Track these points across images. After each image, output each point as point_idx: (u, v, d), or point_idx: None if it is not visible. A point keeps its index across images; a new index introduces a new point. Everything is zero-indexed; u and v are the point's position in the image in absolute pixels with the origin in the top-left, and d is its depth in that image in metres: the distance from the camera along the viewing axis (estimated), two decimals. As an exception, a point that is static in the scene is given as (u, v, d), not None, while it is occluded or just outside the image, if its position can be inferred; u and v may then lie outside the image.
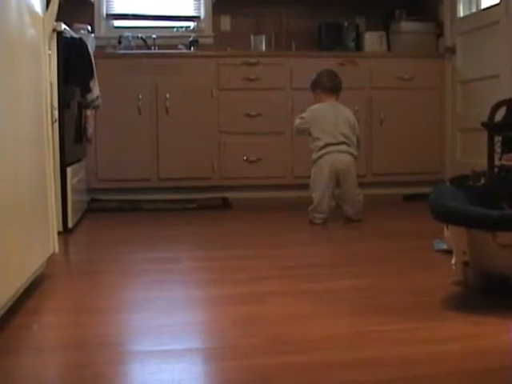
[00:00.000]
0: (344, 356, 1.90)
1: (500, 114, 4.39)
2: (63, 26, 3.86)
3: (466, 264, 2.40)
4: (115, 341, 2.06)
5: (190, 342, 2.07)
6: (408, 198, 5.45)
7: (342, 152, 4.34)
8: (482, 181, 4.67)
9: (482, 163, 4.69)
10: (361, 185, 5.60)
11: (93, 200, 5.23)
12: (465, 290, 2.53)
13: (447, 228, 2.53)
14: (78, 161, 4.44)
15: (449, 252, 3.00)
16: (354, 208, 4.39)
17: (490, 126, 4.25)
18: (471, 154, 5.40)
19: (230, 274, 2.93)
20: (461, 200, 2.43)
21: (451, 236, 2.44)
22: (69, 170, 3.99)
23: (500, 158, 4.18)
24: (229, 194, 5.52)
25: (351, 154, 4.38)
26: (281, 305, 2.44)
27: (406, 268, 3.02)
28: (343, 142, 4.36)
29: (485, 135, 4.56)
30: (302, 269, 3.00)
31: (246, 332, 2.12)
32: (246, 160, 5.55)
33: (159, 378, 1.75)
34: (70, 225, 3.96)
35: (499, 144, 4.30)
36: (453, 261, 2.55)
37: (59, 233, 3.44)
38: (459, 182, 4.85)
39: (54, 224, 2.92)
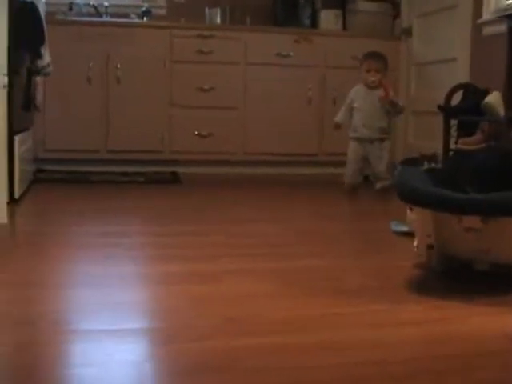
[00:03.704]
0: (307, 339, 1.84)
1: (455, 98, 4.38)
2: (15, -12, 3.71)
3: (430, 247, 2.36)
4: (68, 318, 1.98)
5: (148, 321, 1.99)
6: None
7: None
8: (433, 164, 4.70)
9: (433, 146, 4.70)
10: (313, 163, 5.63)
11: (39, 170, 5.07)
12: (426, 273, 2.51)
13: (411, 210, 2.50)
14: (26, 129, 4.29)
15: (407, 234, 2.99)
16: None
17: (447, 110, 4.23)
18: (423, 137, 5.41)
19: (182, 251, 2.85)
20: (426, 183, 2.40)
21: (416, 218, 2.40)
22: (16, 138, 3.84)
23: (456, 142, 4.17)
24: (178, 169, 5.42)
25: None
26: (238, 284, 2.37)
27: (365, 249, 3.00)
28: None
29: (437, 118, 4.55)
30: (258, 247, 2.94)
31: (205, 312, 2.05)
32: (197, 134, 5.46)
33: (118, 358, 1.67)
34: (16, 195, 3.82)
35: (455, 128, 4.29)
36: (415, 243, 2.52)
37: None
38: (410, 164, 4.87)
39: (3, 194, 2.80)
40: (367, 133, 4.73)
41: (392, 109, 4.75)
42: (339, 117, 4.86)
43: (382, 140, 4.75)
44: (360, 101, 4.78)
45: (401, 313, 2.08)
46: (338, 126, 4.87)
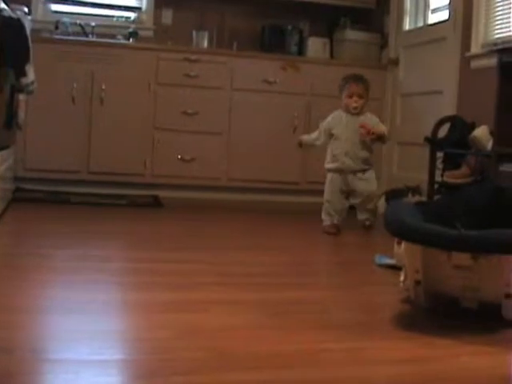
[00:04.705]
0: (295, 375, 1.78)
1: (442, 130, 4.36)
2: (2, 5, 3.65)
3: (417, 283, 2.32)
4: (46, 346, 1.91)
5: (130, 352, 1.92)
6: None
7: None
8: (417, 195, 4.66)
9: (418, 177, 4.68)
10: (295, 192, 5.59)
11: (18, 189, 4.99)
12: (413, 309, 2.46)
13: (398, 244, 2.45)
14: (7, 147, 4.22)
15: (391, 268, 2.95)
16: None
17: (434, 142, 4.21)
18: (407, 168, 5.39)
19: (166, 278, 2.78)
20: (416, 217, 2.35)
21: (405, 253, 2.36)
22: (-3, 156, 3.78)
23: (442, 175, 4.15)
24: (160, 193, 5.36)
25: None
26: (224, 315, 2.31)
27: (350, 281, 2.94)
28: None
29: (422, 150, 4.54)
30: (244, 277, 2.88)
31: (189, 344, 1.98)
32: (180, 159, 5.41)
33: (98, 391, 1.61)
34: (-5, 214, 3.76)
35: (440, 160, 4.28)
36: (401, 278, 2.47)
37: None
38: (394, 195, 4.83)
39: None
40: (350, 163, 4.27)
41: (379, 141, 4.37)
42: (317, 138, 4.40)
43: (364, 171, 4.31)
44: (341, 128, 4.30)
45: (389, 350, 2.03)
46: (300, 145, 4.54)
